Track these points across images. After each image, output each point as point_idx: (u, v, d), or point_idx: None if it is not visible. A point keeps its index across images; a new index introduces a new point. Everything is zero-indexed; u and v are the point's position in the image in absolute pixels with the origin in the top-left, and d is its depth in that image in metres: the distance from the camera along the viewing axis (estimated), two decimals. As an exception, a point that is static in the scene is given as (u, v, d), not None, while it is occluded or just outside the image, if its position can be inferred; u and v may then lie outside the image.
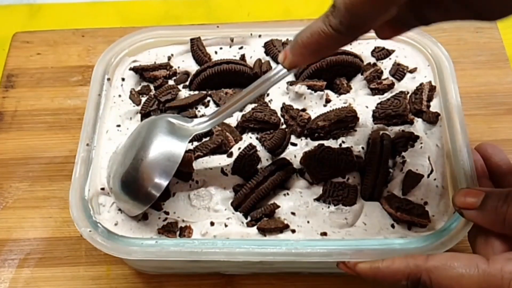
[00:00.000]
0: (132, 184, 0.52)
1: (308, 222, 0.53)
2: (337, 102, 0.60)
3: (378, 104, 0.59)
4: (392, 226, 0.53)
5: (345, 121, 0.57)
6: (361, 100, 0.60)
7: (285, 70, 0.49)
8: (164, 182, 0.51)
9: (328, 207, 0.54)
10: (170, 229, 0.53)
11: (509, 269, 0.43)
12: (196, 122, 0.54)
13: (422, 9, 0.45)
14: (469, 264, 0.44)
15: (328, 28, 0.42)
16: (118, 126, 0.59)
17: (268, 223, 0.53)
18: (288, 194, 0.55)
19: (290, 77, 0.62)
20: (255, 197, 0.54)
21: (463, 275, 0.44)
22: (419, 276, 0.45)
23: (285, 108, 0.59)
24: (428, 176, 0.55)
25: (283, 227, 0.53)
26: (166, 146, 0.52)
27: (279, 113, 0.59)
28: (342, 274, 0.52)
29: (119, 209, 0.54)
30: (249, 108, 0.59)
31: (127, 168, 0.53)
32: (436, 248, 0.49)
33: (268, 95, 0.60)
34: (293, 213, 0.54)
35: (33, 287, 0.61)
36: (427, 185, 0.54)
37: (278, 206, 0.53)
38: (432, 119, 0.58)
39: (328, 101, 0.60)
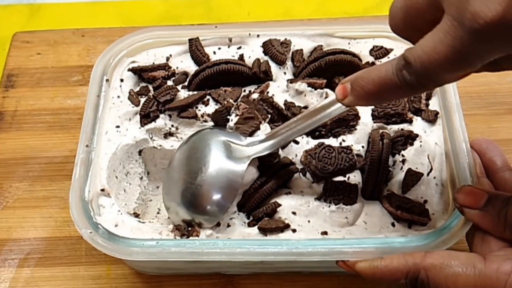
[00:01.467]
0: (196, 207, 0.53)
1: (309, 221, 0.53)
2: (337, 101, 0.60)
3: (377, 103, 0.59)
4: (393, 224, 0.53)
5: (346, 119, 0.57)
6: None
7: (343, 107, 0.48)
8: (228, 204, 0.53)
9: (329, 206, 0.54)
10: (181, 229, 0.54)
11: (505, 269, 0.43)
12: (249, 141, 0.55)
13: (499, 63, 0.43)
14: (466, 263, 0.44)
15: (400, 81, 0.41)
16: (118, 127, 0.59)
17: (268, 222, 0.53)
18: (290, 193, 0.55)
19: (289, 75, 0.62)
20: (258, 197, 0.54)
21: (460, 274, 0.44)
22: (417, 274, 0.46)
23: (287, 105, 0.59)
24: (428, 174, 0.55)
25: (283, 227, 0.53)
26: (227, 173, 0.53)
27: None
28: (342, 273, 0.52)
29: (119, 210, 0.54)
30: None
31: (187, 191, 0.54)
32: (437, 246, 0.49)
33: (268, 92, 0.60)
34: (293, 213, 0.54)
35: (33, 286, 0.61)
36: (427, 184, 0.54)
37: (280, 205, 0.54)
38: (431, 118, 0.58)
39: (327, 99, 0.60)
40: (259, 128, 0.56)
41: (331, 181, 0.54)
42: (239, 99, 0.59)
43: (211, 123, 0.59)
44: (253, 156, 0.54)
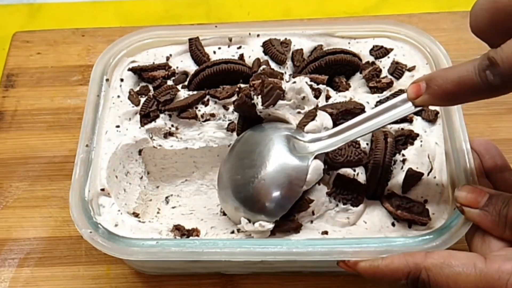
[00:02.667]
0: (255, 203, 0.52)
1: (311, 222, 0.54)
2: (338, 98, 0.59)
3: (377, 102, 0.59)
4: (393, 224, 0.54)
5: (353, 112, 0.57)
6: (361, 98, 0.60)
7: (412, 107, 0.47)
8: (289, 203, 0.52)
9: (337, 205, 0.54)
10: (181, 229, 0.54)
11: (506, 269, 0.43)
12: (312, 137, 0.53)
13: None
14: (467, 263, 0.44)
15: (482, 82, 0.40)
16: (117, 126, 0.59)
17: (282, 223, 0.53)
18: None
19: (290, 71, 0.62)
20: None
21: (460, 274, 0.44)
22: (418, 274, 0.46)
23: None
24: (428, 174, 0.55)
25: (297, 227, 0.53)
26: (291, 170, 0.51)
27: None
28: (342, 273, 0.52)
29: (119, 210, 0.54)
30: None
31: (246, 187, 0.52)
32: (437, 246, 0.49)
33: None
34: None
35: (33, 286, 0.61)
36: (427, 183, 0.54)
37: (312, 200, 0.53)
38: (431, 117, 0.58)
39: (328, 97, 0.59)
40: (315, 118, 0.55)
41: (341, 176, 0.54)
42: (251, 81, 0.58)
43: (211, 123, 0.59)
44: (316, 152, 0.52)
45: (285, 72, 0.62)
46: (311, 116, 0.55)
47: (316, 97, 0.57)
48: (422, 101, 0.45)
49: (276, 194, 0.52)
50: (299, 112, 0.56)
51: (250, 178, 0.52)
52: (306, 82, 0.56)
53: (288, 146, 0.53)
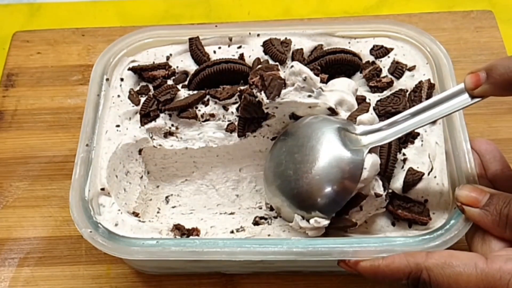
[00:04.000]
0: (309, 200, 0.51)
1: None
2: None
3: (377, 101, 0.59)
4: (393, 224, 0.54)
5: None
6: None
7: (468, 99, 0.46)
8: (343, 201, 0.50)
9: None
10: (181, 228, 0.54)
11: (508, 269, 0.43)
12: (363, 129, 0.52)
13: None
14: (468, 263, 0.45)
15: None
16: (118, 126, 0.59)
17: (337, 220, 0.52)
18: None
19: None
20: None
21: (461, 274, 0.44)
22: (419, 275, 0.46)
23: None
24: (429, 174, 0.55)
25: (352, 224, 0.52)
26: (345, 164, 0.50)
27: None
28: (343, 273, 0.52)
29: (119, 210, 0.54)
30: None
31: (299, 183, 0.51)
32: (437, 246, 0.49)
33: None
34: None
35: (33, 286, 0.61)
36: (427, 183, 0.54)
37: (366, 196, 0.51)
38: (432, 117, 0.58)
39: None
40: (368, 110, 0.54)
41: None
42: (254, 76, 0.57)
43: (211, 123, 0.59)
44: (370, 146, 0.51)
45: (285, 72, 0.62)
46: (364, 109, 0.54)
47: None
48: (482, 92, 0.44)
49: (331, 189, 0.50)
50: (309, 96, 0.54)
51: (303, 174, 0.51)
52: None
53: (341, 140, 0.51)
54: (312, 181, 0.50)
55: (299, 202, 0.52)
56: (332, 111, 0.54)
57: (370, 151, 0.51)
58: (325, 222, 0.51)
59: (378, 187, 0.52)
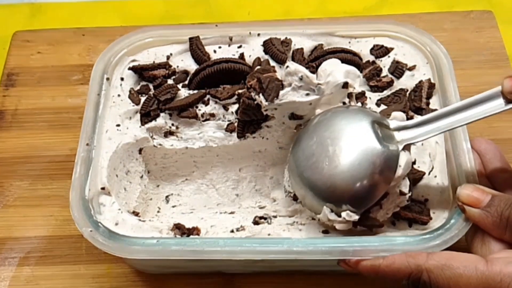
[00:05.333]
0: (341, 193, 0.50)
1: (313, 219, 0.53)
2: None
3: (378, 100, 0.59)
4: (393, 223, 0.54)
5: (358, 97, 0.57)
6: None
7: (503, 104, 0.46)
8: (376, 197, 0.50)
9: None
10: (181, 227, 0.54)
11: (508, 272, 0.43)
12: (397, 125, 0.51)
13: None
14: (468, 265, 0.44)
15: None
16: (118, 125, 0.59)
17: (365, 217, 0.51)
18: None
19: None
20: None
21: (462, 276, 0.44)
22: (420, 276, 0.46)
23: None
24: (429, 173, 0.55)
25: (380, 225, 0.52)
26: (380, 159, 0.49)
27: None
28: (343, 272, 0.52)
29: (120, 209, 0.54)
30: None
31: (332, 175, 0.50)
32: (437, 245, 0.49)
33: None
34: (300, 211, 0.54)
35: (33, 285, 0.61)
36: (428, 182, 0.54)
37: (387, 193, 0.51)
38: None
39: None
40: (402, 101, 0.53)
41: None
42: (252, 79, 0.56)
43: (211, 123, 0.59)
44: (404, 142, 0.50)
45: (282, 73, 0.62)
46: (397, 102, 0.53)
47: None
48: None
49: (365, 185, 0.49)
50: (308, 94, 0.54)
51: (337, 167, 0.50)
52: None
53: (376, 134, 0.50)
54: (346, 175, 0.49)
55: (330, 194, 0.50)
56: (346, 86, 0.53)
57: (403, 148, 0.50)
58: (356, 217, 0.50)
59: (405, 186, 0.51)
